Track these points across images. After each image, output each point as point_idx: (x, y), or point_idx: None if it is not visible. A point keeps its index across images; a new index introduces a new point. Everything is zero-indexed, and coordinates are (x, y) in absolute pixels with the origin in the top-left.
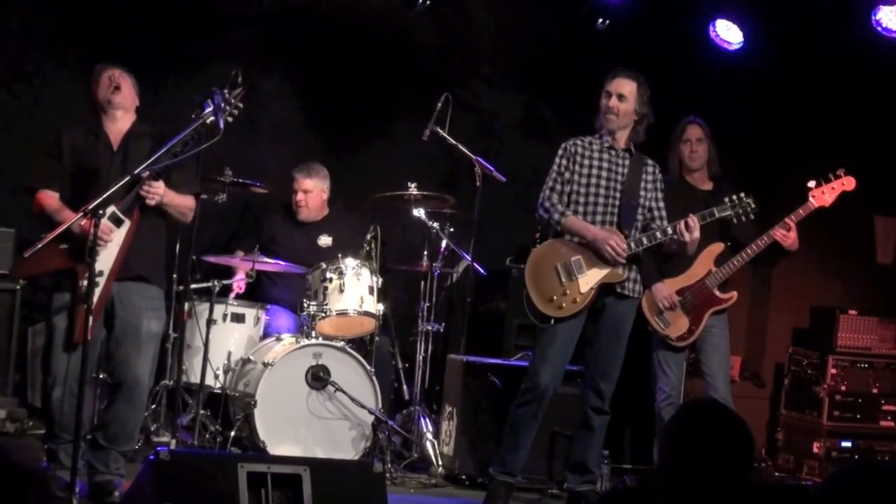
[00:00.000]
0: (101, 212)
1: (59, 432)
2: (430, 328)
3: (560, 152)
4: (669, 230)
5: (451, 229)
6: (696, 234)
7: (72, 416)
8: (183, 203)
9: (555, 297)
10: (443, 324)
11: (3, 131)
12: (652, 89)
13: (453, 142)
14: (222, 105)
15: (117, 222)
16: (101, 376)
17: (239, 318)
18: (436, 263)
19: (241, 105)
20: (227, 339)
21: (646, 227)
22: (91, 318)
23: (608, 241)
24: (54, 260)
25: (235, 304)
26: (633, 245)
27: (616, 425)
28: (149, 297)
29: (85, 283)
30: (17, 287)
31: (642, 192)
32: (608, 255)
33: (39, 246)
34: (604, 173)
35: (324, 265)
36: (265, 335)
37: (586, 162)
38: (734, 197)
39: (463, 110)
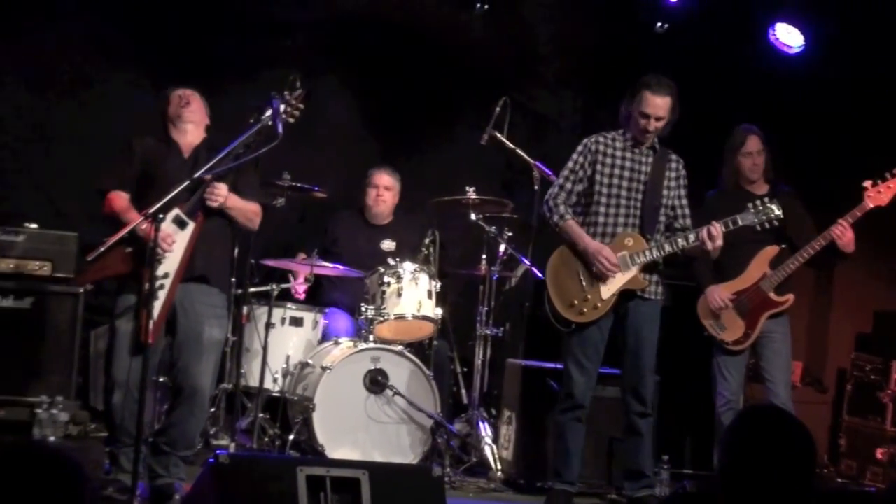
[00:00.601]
0: (161, 216)
1: (119, 436)
2: (488, 332)
3: (580, 149)
4: (692, 237)
5: (510, 233)
6: (719, 241)
7: (132, 421)
8: (247, 207)
9: (576, 303)
10: (501, 328)
11: (68, 137)
12: (707, 92)
13: (511, 146)
14: (281, 109)
15: (181, 224)
16: (161, 380)
17: (297, 322)
18: (494, 268)
19: (301, 106)
20: (285, 342)
21: (668, 226)
22: (153, 322)
23: (598, 257)
24: (119, 264)
25: (294, 307)
26: (654, 251)
27: (676, 430)
28: (211, 305)
29: (167, 273)
30: (81, 291)
31: (665, 192)
32: (598, 270)
33: (102, 249)
34: (626, 173)
35: (381, 269)
36: (323, 339)
37: (608, 161)
38: (758, 203)
39: (521, 114)
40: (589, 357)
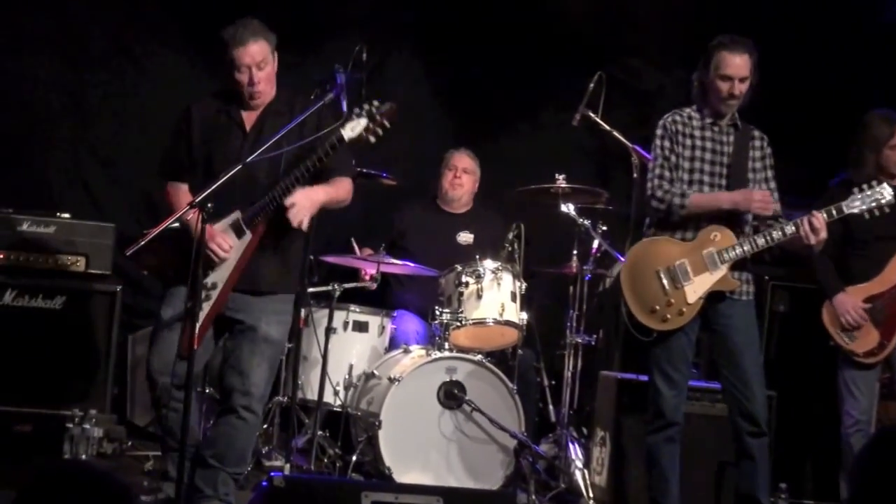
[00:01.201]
0: (209, 205)
1: (165, 438)
2: (579, 340)
3: (660, 132)
4: (790, 229)
5: (605, 227)
6: (823, 234)
7: (176, 422)
8: (335, 193)
9: (658, 308)
10: (595, 335)
11: (105, 114)
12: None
13: (607, 127)
14: (345, 85)
15: (238, 232)
16: (207, 391)
17: (362, 327)
18: (587, 266)
19: (387, 125)
20: (348, 350)
21: (756, 214)
22: (197, 329)
23: (752, 201)
24: (172, 258)
25: (358, 310)
26: (746, 245)
27: (795, 455)
28: (272, 307)
29: (215, 283)
30: (118, 290)
31: (750, 174)
32: (760, 209)
33: (143, 243)
34: (707, 154)
35: (459, 267)
36: (391, 346)
37: (688, 141)
38: (864, 186)
39: (619, 92)
40: (678, 368)
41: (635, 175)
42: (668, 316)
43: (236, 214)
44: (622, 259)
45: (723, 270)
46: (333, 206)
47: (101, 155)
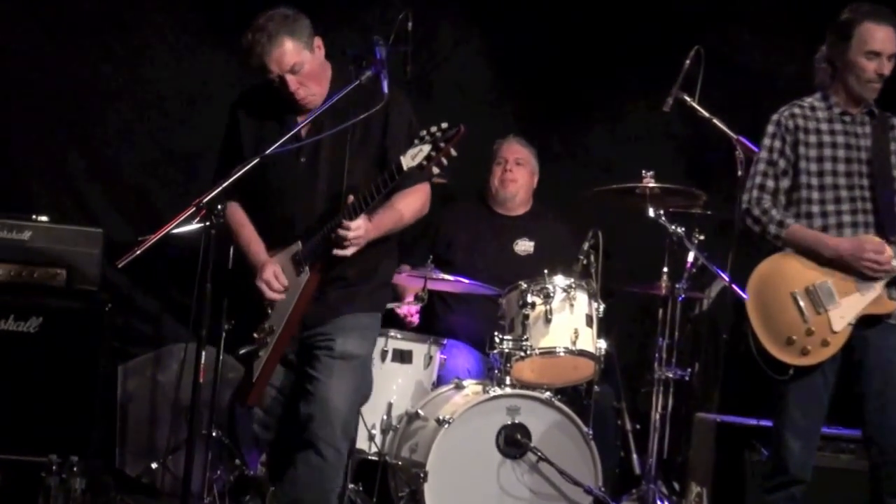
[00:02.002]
0: (220, 207)
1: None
2: (670, 375)
3: (770, 129)
4: None
5: (702, 236)
6: None
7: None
8: (405, 210)
9: (795, 338)
10: (689, 370)
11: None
12: None
13: (706, 114)
14: (385, 62)
15: (298, 267)
16: (213, 434)
17: (404, 357)
18: (680, 284)
19: (454, 153)
20: (387, 385)
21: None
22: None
23: (863, 253)
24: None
25: (399, 336)
26: None
27: None
28: (349, 321)
29: (259, 334)
30: (106, 309)
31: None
32: (868, 271)
33: (138, 252)
34: (840, 152)
35: (523, 284)
36: (440, 381)
37: (812, 138)
38: None
39: (721, 71)
40: (810, 414)
41: (740, 173)
42: (809, 348)
43: (296, 246)
44: (724, 276)
45: (876, 289)
46: (408, 225)
47: (88, 146)
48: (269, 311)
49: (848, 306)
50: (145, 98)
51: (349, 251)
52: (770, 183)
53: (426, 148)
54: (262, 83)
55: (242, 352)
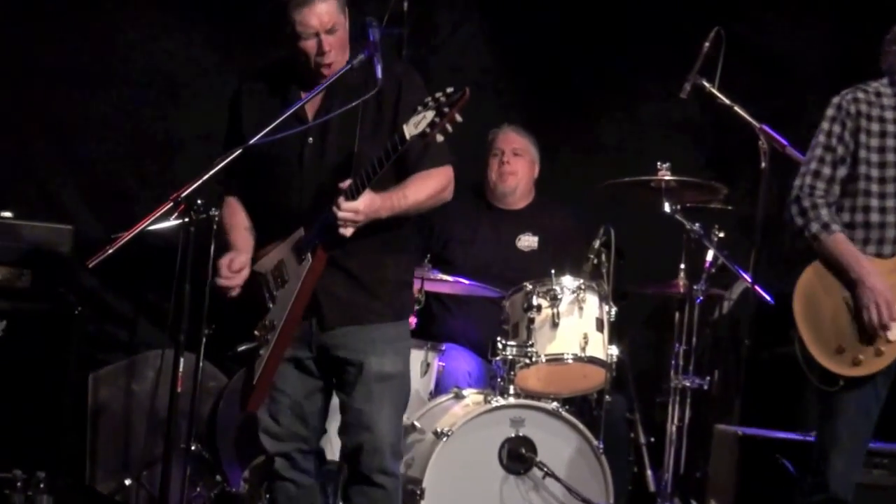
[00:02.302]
0: (199, 203)
1: None
2: (688, 384)
3: (830, 113)
4: None
5: (722, 234)
6: None
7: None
8: (420, 191)
9: (846, 347)
10: (708, 378)
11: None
12: None
13: (727, 101)
14: (378, 44)
15: (299, 255)
16: (193, 448)
17: None
18: (698, 285)
19: (459, 118)
20: None
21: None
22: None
23: (875, 299)
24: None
25: None
26: None
27: None
28: (378, 333)
29: (259, 331)
30: (76, 313)
31: None
32: (868, 319)
33: (110, 250)
34: None
35: (528, 286)
36: (438, 390)
37: (875, 126)
38: None
39: (742, 55)
40: (857, 429)
41: (763, 164)
42: (861, 357)
43: (299, 233)
44: (746, 276)
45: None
46: (423, 209)
47: (56, 136)
48: (270, 307)
49: None
50: (120, 84)
51: (347, 230)
52: (826, 170)
53: (429, 114)
54: (266, 66)
55: (241, 349)
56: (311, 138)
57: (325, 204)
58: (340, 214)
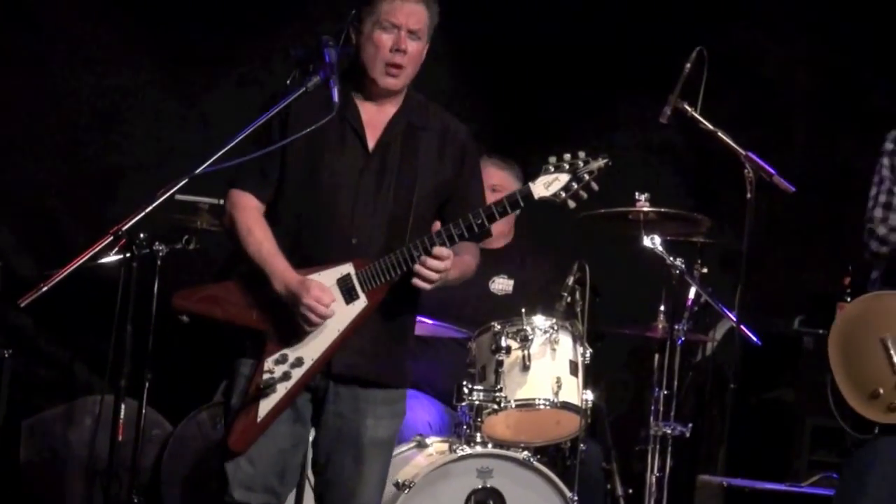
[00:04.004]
0: (141, 237)
1: None
2: (668, 431)
3: (889, 146)
4: None
5: (705, 269)
6: None
7: None
8: (470, 271)
9: (882, 391)
10: (690, 425)
11: None
12: None
13: (710, 126)
14: (336, 65)
15: (349, 294)
16: (136, 501)
17: None
18: (679, 325)
19: (596, 187)
20: None
21: None
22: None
23: None
24: (240, 310)
25: None
26: None
27: None
28: (382, 396)
29: (272, 364)
30: (5, 355)
31: None
32: None
33: (44, 288)
34: None
35: (497, 326)
36: (399, 438)
37: None
38: None
39: (727, 77)
40: (888, 481)
41: (749, 194)
42: None
43: (348, 268)
44: (730, 315)
45: None
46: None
47: None
48: (294, 340)
49: None
50: (53, 108)
51: (430, 285)
52: (882, 198)
53: (563, 178)
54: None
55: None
56: (372, 164)
57: (375, 239)
58: (432, 263)
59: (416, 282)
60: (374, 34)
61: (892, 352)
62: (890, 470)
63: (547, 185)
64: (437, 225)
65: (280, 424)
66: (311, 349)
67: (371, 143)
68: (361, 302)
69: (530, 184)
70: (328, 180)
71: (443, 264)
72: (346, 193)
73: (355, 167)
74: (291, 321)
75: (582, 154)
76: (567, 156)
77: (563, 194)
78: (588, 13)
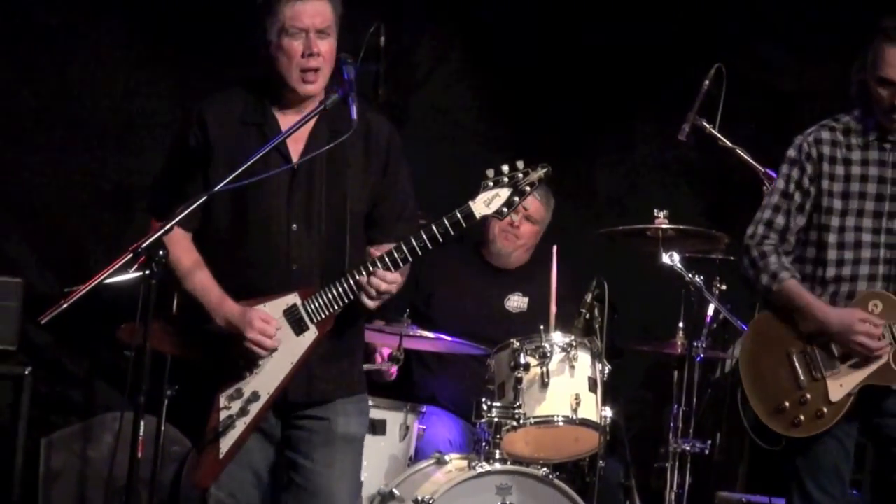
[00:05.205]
0: (160, 254)
1: None
2: (687, 448)
3: (791, 153)
4: None
5: (724, 286)
6: None
7: None
8: (405, 274)
9: (786, 406)
10: (709, 442)
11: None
12: None
13: (729, 143)
14: (354, 83)
15: (298, 325)
16: None
17: (376, 428)
18: (698, 342)
19: (528, 189)
20: None
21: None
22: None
23: (852, 330)
24: (187, 345)
25: (371, 404)
26: None
27: None
28: (348, 400)
29: (226, 401)
30: (26, 373)
31: None
32: (858, 351)
33: (65, 305)
34: (870, 187)
35: (516, 343)
36: (418, 455)
37: (840, 170)
38: None
39: (745, 94)
40: (825, 488)
41: None
42: (801, 418)
43: (293, 298)
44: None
45: (882, 357)
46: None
47: (4, 181)
48: (247, 374)
49: (849, 374)
50: (72, 125)
51: (374, 303)
52: (780, 220)
53: (504, 192)
54: (235, 86)
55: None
56: (297, 182)
57: (314, 263)
58: (383, 287)
59: (364, 300)
60: (284, 42)
61: (796, 366)
62: (811, 472)
63: (488, 203)
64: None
65: (252, 452)
66: (266, 383)
67: (294, 157)
68: (312, 333)
69: (470, 202)
70: (258, 203)
71: (392, 286)
72: (278, 218)
73: (283, 186)
74: (241, 354)
75: (520, 164)
76: (505, 167)
77: (506, 210)
78: (607, 30)
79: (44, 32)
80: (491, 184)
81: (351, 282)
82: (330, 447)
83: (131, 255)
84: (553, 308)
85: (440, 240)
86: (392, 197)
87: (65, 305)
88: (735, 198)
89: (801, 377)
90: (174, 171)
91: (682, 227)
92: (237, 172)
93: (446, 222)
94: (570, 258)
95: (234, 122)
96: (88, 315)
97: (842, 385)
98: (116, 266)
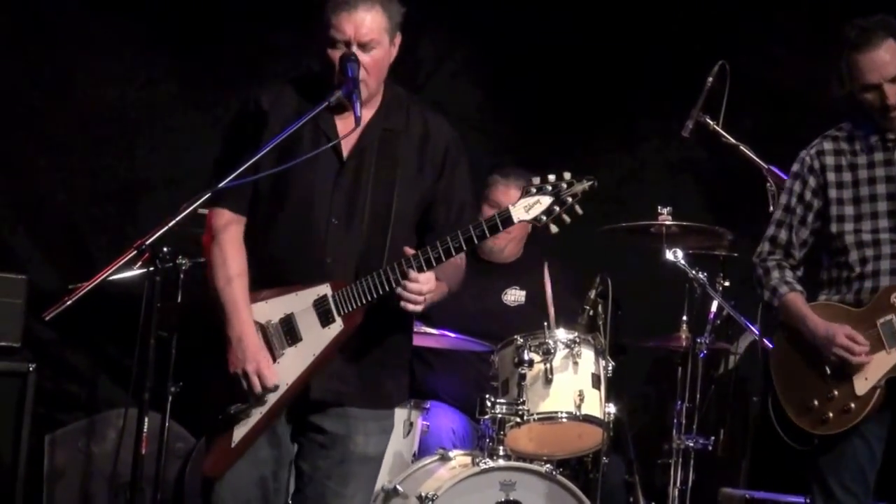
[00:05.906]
0: (164, 251)
1: None
2: (691, 444)
3: (795, 168)
4: None
5: (727, 282)
6: None
7: None
8: (454, 285)
9: (815, 404)
10: (712, 438)
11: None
12: None
13: (732, 140)
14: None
15: (324, 317)
16: None
17: None
18: (702, 338)
19: (579, 211)
20: None
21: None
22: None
23: (833, 343)
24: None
25: None
26: None
27: None
28: (372, 414)
29: (275, 384)
30: (30, 369)
31: None
32: (837, 358)
33: (69, 301)
34: (880, 188)
35: (519, 339)
36: (422, 451)
37: (847, 177)
38: None
39: (749, 90)
40: (848, 487)
41: (771, 208)
42: (829, 415)
43: (324, 289)
44: (753, 329)
45: None
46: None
47: (8, 178)
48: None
49: (875, 366)
50: (76, 120)
51: (417, 307)
52: (783, 235)
53: (546, 200)
54: (295, 79)
55: (233, 410)
56: (344, 177)
57: (350, 260)
58: (412, 287)
59: (403, 304)
60: (328, 51)
61: (825, 366)
62: (835, 471)
63: (528, 208)
64: (409, 251)
65: (259, 450)
66: (286, 373)
67: (346, 152)
68: (337, 325)
69: (510, 206)
70: (300, 194)
71: (424, 287)
72: (319, 211)
73: (328, 180)
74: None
75: (567, 175)
76: (551, 177)
77: (545, 218)
78: (611, 28)
79: (50, 31)
80: (534, 190)
81: (382, 277)
82: (346, 466)
83: (135, 251)
84: (551, 311)
85: (476, 241)
86: (446, 202)
87: (69, 302)
88: (738, 194)
89: (829, 375)
90: (231, 159)
91: (685, 223)
92: (288, 164)
93: (484, 225)
94: (574, 255)
95: (291, 112)
96: (93, 312)
97: (867, 378)
98: (121, 262)
